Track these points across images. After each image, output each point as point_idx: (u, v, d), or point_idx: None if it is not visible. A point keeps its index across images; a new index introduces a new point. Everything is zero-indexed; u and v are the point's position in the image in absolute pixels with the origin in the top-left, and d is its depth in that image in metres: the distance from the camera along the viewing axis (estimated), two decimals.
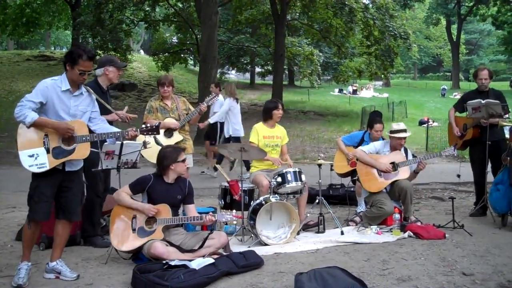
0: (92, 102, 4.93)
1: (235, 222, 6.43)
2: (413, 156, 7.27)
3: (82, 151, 4.71)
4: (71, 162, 4.72)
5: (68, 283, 4.71)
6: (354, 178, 7.42)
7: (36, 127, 4.56)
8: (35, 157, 4.51)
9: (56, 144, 4.62)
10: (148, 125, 5.14)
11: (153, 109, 7.00)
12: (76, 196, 4.87)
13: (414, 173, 7.13)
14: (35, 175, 4.61)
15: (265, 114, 7.19)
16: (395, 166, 6.96)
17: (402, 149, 7.22)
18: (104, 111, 5.67)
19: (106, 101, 5.98)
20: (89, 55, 4.68)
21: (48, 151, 4.57)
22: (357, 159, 7.23)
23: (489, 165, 7.59)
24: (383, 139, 7.64)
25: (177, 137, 6.94)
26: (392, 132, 7.09)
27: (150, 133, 5.17)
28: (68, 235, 4.99)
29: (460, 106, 7.83)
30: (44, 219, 4.74)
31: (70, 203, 4.80)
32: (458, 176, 7.79)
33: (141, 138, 6.77)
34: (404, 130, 7.08)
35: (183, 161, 5.57)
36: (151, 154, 6.47)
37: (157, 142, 6.33)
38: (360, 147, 7.39)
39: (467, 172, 7.93)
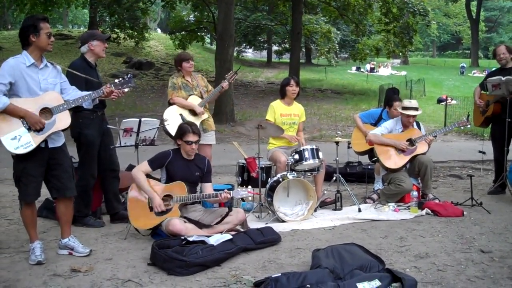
0: (59, 73, 4.81)
1: (250, 198, 6.44)
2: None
3: (63, 121, 4.62)
4: (53, 138, 4.64)
5: (87, 257, 4.77)
6: (374, 159, 7.37)
7: (7, 112, 4.43)
8: (18, 139, 4.41)
9: None
10: (121, 79, 5.03)
11: (177, 86, 6.86)
12: (67, 171, 4.79)
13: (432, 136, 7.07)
14: (20, 157, 4.53)
15: (281, 91, 7.24)
16: (412, 142, 6.92)
17: (415, 124, 7.19)
18: (92, 87, 5.29)
19: (95, 77, 5.78)
20: (42, 17, 4.63)
21: (29, 130, 4.46)
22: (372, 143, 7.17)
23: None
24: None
25: (203, 114, 6.88)
26: (403, 108, 7.05)
27: (125, 85, 5.03)
28: (72, 210, 4.99)
29: (484, 84, 7.71)
30: (35, 200, 4.74)
31: (62, 179, 4.75)
32: (484, 153, 7.67)
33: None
34: (416, 108, 7.00)
35: (190, 143, 5.42)
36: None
37: (184, 120, 6.33)
38: (371, 131, 7.31)
39: (486, 150, 7.85)
